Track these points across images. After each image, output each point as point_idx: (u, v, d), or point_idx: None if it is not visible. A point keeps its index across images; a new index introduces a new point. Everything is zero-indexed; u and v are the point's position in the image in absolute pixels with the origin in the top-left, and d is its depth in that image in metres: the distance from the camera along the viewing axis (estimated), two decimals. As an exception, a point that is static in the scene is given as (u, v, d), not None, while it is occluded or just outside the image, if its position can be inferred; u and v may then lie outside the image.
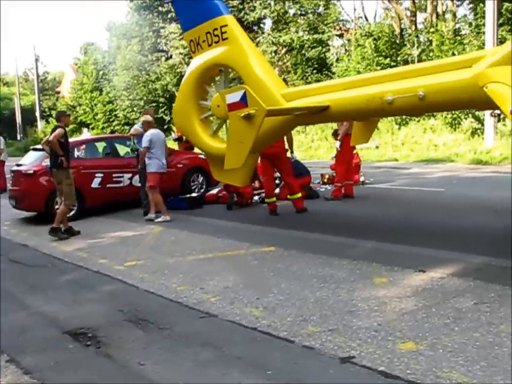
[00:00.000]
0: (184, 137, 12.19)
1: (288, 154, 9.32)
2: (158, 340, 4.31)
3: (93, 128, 39.75)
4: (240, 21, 31.81)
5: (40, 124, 45.51)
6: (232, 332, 4.33)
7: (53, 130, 8.72)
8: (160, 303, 5.16)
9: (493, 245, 6.21)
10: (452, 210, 8.49)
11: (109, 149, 11.04)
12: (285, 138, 8.89)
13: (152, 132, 9.39)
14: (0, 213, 10.77)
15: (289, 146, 9.17)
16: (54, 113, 46.97)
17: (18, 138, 44.73)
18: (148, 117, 9.73)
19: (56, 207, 9.10)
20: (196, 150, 10.41)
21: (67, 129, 8.93)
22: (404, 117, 22.55)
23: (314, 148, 25.43)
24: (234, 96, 5.88)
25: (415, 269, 5.47)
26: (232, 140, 6.11)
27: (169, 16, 34.07)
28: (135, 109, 35.56)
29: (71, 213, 9.67)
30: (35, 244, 8.21)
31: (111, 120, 38.15)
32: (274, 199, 9.18)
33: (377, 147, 22.09)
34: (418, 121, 22.28)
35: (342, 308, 4.60)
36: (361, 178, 11.98)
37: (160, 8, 34.15)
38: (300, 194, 9.12)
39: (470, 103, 5.54)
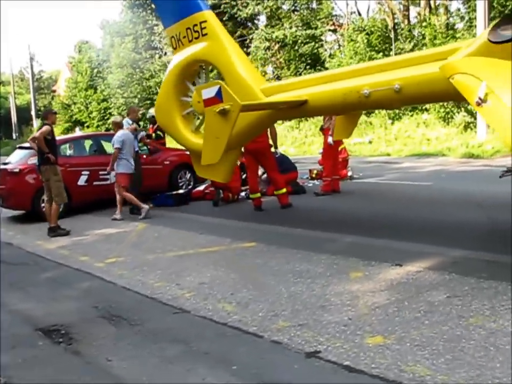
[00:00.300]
0: (153, 135, 12.18)
1: (272, 149, 9.28)
2: (128, 335, 4.29)
3: (88, 127, 39.68)
4: (233, 17, 31.83)
5: (36, 123, 45.37)
6: (202, 327, 4.31)
7: (40, 128, 8.70)
8: (135, 299, 5.14)
9: (473, 238, 6.20)
10: (436, 204, 8.45)
11: (96, 147, 11.00)
12: (269, 133, 8.86)
13: (123, 133, 9.46)
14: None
15: (273, 141, 9.12)
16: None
17: (14, 137, 44.67)
18: (117, 118, 9.80)
19: (43, 205, 9.09)
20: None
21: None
22: (397, 111, 22.57)
23: (308, 143, 25.40)
24: (209, 92, 5.84)
25: (392, 263, 5.45)
26: (208, 136, 6.08)
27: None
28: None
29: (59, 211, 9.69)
30: (19, 242, 8.19)
31: (105, 118, 38.01)
32: (258, 194, 9.16)
33: (370, 142, 22.08)
34: (412, 115, 22.27)
35: (314, 302, 4.58)
36: (349, 173, 11.95)
37: (153, 6, 33.98)
38: (284, 190, 9.09)
39: (446, 95, 5.50)
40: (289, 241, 6.83)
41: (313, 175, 12.28)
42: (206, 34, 7.26)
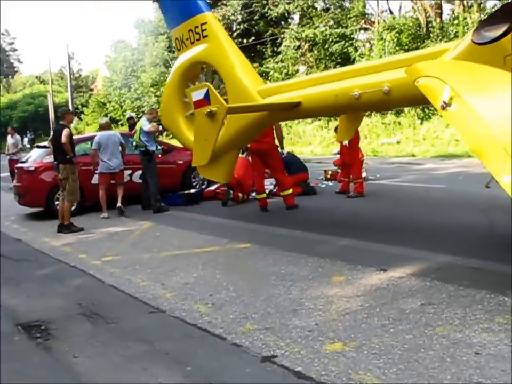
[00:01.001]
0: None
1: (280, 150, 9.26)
2: (101, 333, 4.38)
3: (122, 125, 40.40)
4: (264, 16, 31.82)
5: (74, 121, 46.59)
6: (172, 327, 4.36)
7: (57, 128, 8.97)
8: (117, 298, 5.24)
9: (466, 243, 6.05)
10: (440, 207, 8.27)
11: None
12: (275, 134, 8.84)
13: (101, 134, 9.90)
14: (0, 207, 11.16)
15: (279, 142, 9.11)
16: (85, 110, 48.17)
17: (51, 134, 45.88)
18: (102, 120, 10.24)
19: (57, 202, 9.37)
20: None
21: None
22: (426, 111, 22.13)
23: (336, 143, 25.15)
24: (198, 94, 5.88)
25: (378, 268, 5.38)
26: (197, 137, 6.13)
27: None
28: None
29: (71, 209, 9.96)
30: (28, 238, 8.44)
31: (138, 116, 38.63)
32: (264, 195, 9.16)
33: (398, 142, 21.75)
34: (441, 116, 21.78)
35: (287, 306, 4.57)
36: (364, 174, 11.77)
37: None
38: (290, 191, 9.07)
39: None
40: (284, 243, 6.81)
41: (328, 176, 12.18)
42: (206, 36, 7.32)
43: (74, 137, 12.51)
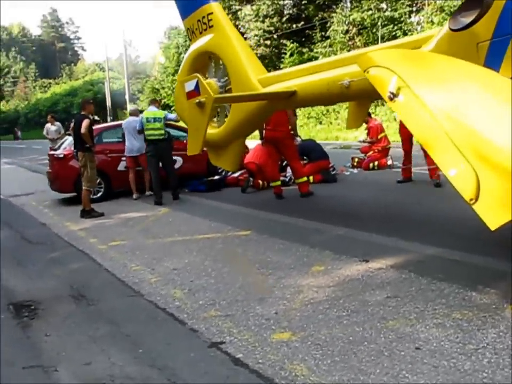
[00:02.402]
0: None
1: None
2: (79, 314, 4.63)
3: (174, 110, 41.25)
4: (312, 1, 31.37)
5: (129, 107, 47.95)
6: (141, 311, 4.55)
7: (78, 118, 9.37)
8: (106, 281, 5.49)
9: (459, 236, 5.85)
10: (453, 198, 8.00)
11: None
12: (289, 123, 8.84)
13: (126, 121, 10.78)
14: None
15: (293, 130, 9.10)
16: (140, 96, 49.49)
17: (108, 120, 47.54)
18: (132, 107, 10.75)
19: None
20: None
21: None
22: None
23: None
24: (190, 85, 6.00)
25: (360, 259, 5.35)
26: (190, 127, 6.26)
27: (244, -2, 34.47)
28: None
29: (98, 195, 10.43)
30: (52, 222, 8.90)
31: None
32: (279, 182, 9.21)
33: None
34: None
35: (257, 294, 4.65)
36: (389, 162, 11.57)
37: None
38: (305, 179, 9.07)
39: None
40: (283, 231, 6.87)
41: (355, 163, 12.04)
42: (212, 26, 7.41)
43: (102, 125, 13.13)
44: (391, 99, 3.60)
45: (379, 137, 11.65)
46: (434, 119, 3.38)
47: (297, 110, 19.44)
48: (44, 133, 16.76)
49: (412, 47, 5.00)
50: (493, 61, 3.97)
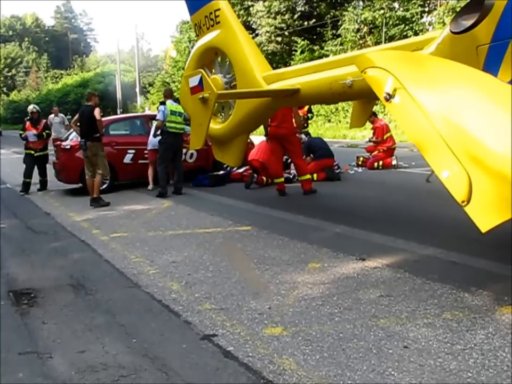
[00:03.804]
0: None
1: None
2: (77, 303, 4.71)
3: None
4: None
5: (139, 100, 48.13)
6: (138, 302, 4.61)
7: (85, 109, 9.49)
8: (106, 272, 5.56)
9: (459, 237, 5.87)
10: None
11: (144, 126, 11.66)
12: (294, 120, 8.88)
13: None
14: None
15: (297, 127, 9.13)
16: (151, 89, 49.61)
17: (118, 112, 47.73)
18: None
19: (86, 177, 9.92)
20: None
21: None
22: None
23: (391, 128, 24.64)
24: (194, 80, 6.06)
25: (357, 257, 5.40)
26: (193, 122, 6.31)
27: (256, -7, 34.45)
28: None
29: (103, 186, 10.50)
30: (56, 212, 9.00)
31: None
32: (282, 179, 9.26)
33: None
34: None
35: (252, 289, 4.71)
36: (394, 162, 11.57)
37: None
38: (308, 176, 9.12)
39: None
40: (283, 227, 6.92)
41: (360, 162, 12.06)
42: (219, 22, 7.46)
43: (111, 117, 13.27)
44: (387, 100, 3.63)
45: (385, 137, 11.67)
46: (429, 121, 3.41)
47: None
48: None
49: (413, 49, 5.02)
50: (491, 65, 3.99)
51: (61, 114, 17.09)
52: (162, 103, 10.24)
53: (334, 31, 30.50)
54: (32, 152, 11.49)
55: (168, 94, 10.68)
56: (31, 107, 12.01)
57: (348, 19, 28.64)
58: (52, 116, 16.80)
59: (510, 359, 3.20)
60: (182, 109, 9.94)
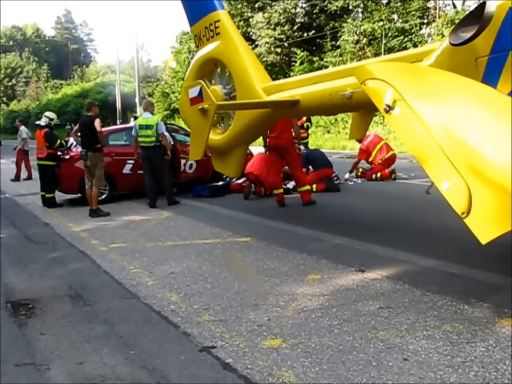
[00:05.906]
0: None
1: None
2: (75, 314, 4.68)
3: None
4: (323, 10, 31.48)
5: (139, 110, 48.22)
6: (137, 313, 4.59)
7: (85, 119, 9.51)
8: (105, 282, 5.55)
9: (459, 248, 5.86)
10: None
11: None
12: (293, 131, 8.90)
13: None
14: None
15: (296, 139, 9.15)
16: (150, 100, 49.74)
17: (118, 123, 47.82)
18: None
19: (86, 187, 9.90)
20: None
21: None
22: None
23: (389, 140, 24.70)
24: (193, 91, 6.09)
25: (356, 269, 5.39)
26: (193, 133, 6.33)
27: (256, 5, 34.70)
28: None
29: (103, 197, 10.48)
30: (55, 223, 8.99)
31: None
32: (281, 190, 9.26)
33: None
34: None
35: (251, 300, 4.69)
36: (392, 173, 11.58)
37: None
38: (307, 187, 9.12)
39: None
40: (282, 238, 6.91)
41: (359, 173, 12.07)
42: (219, 33, 7.50)
43: (110, 127, 13.30)
44: (386, 111, 3.64)
45: (373, 154, 11.68)
46: (429, 133, 3.42)
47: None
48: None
49: (412, 60, 5.05)
50: (490, 77, 4.01)
51: (22, 127, 17.34)
52: (135, 117, 10.29)
53: (334, 42, 30.66)
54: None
55: (145, 107, 10.64)
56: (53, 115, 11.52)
57: (347, 30, 28.79)
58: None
59: (510, 372, 3.19)
60: (154, 120, 9.88)
